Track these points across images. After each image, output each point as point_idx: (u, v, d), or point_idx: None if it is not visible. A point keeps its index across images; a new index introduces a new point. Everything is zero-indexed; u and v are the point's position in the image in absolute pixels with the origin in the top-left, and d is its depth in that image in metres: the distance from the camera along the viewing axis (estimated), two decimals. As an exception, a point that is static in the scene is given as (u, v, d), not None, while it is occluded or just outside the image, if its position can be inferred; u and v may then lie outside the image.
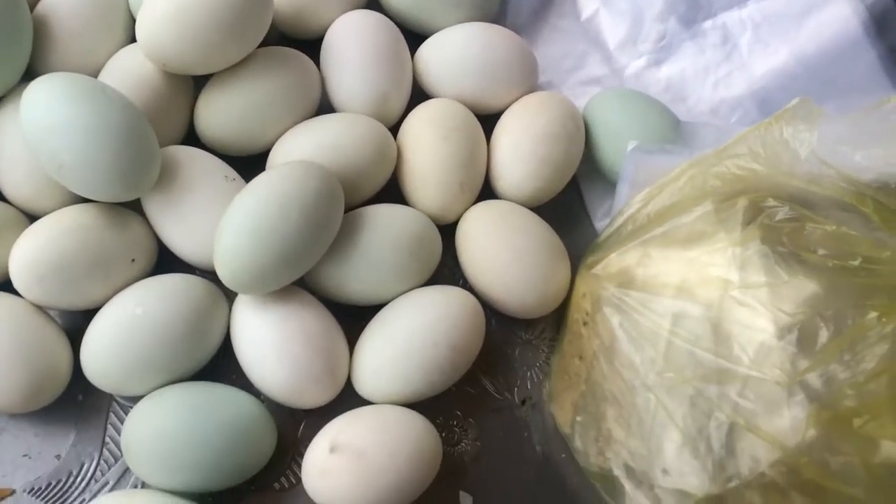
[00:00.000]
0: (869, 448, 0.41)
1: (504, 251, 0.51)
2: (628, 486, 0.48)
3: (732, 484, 0.44)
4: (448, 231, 0.54)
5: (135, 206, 0.50)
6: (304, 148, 0.51)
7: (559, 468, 0.52)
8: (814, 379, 0.41)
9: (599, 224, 0.59)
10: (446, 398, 0.52)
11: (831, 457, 0.42)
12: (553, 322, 0.55)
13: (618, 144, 0.55)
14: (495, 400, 0.53)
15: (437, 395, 0.50)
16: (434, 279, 0.52)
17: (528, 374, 0.54)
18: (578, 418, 0.50)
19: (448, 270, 0.55)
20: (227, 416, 0.45)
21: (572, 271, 0.53)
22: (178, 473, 0.45)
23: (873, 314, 0.41)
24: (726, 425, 0.43)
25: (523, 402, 0.54)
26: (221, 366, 0.50)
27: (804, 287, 0.43)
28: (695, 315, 0.44)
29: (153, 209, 0.49)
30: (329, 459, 0.44)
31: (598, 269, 0.48)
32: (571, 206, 0.60)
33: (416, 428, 0.46)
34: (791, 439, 0.41)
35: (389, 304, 0.50)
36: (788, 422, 0.41)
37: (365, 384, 0.48)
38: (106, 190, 0.46)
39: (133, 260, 0.48)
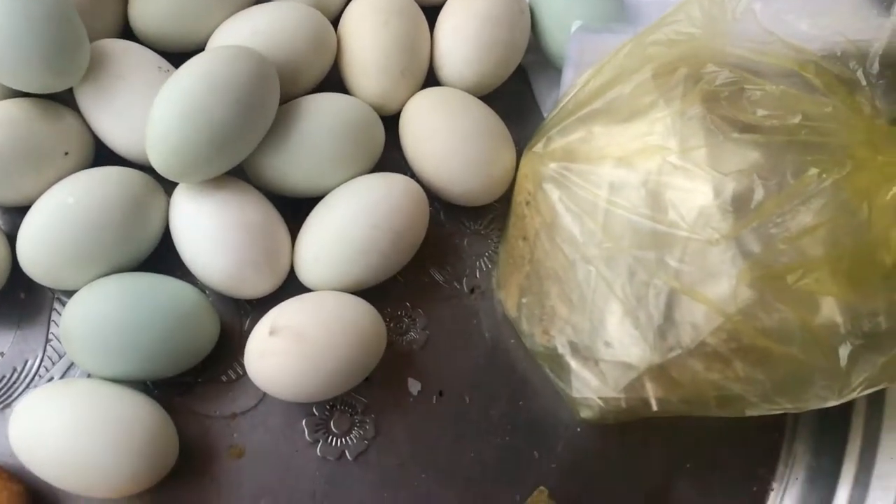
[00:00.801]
0: (805, 305, 0.41)
1: (446, 136, 0.50)
2: (574, 364, 0.48)
3: (674, 353, 0.44)
4: (395, 123, 0.53)
5: (69, 102, 0.49)
6: (240, 36, 0.49)
7: (508, 354, 0.52)
8: (749, 237, 0.41)
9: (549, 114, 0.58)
10: (395, 289, 0.52)
11: (768, 316, 0.41)
12: (501, 212, 0.54)
13: (564, 29, 0.53)
14: (444, 290, 0.53)
15: (385, 285, 0.50)
16: (380, 171, 0.51)
17: (477, 263, 0.54)
18: (524, 300, 0.50)
19: (395, 163, 0.54)
20: (166, 303, 0.45)
21: (519, 158, 0.52)
22: (119, 361, 0.44)
23: (813, 171, 0.40)
24: (665, 293, 0.43)
25: (472, 291, 0.53)
26: (165, 261, 0.49)
27: (743, 148, 0.42)
28: (632, 183, 0.43)
29: (85, 101, 0.48)
30: (268, 341, 0.44)
31: (538, 148, 0.48)
32: (521, 97, 0.59)
33: (356, 311, 0.46)
34: (728, 301, 0.41)
35: (331, 192, 0.49)
36: (725, 283, 0.41)
37: (307, 272, 0.48)
38: (32, 78, 0.45)
39: (66, 153, 0.47)
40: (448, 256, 0.54)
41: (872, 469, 0.48)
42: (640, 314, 0.44)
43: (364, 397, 0.50)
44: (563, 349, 0.48)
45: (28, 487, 0.44)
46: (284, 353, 0.44)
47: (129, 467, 0.43)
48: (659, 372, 0.46)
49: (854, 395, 0.44)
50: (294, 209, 0.50)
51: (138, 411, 0.44)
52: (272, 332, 0.44)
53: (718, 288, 0.42)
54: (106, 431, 0.42)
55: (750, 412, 0.46)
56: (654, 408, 0.47)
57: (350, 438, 0.49)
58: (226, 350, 0.50)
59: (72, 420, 0.42)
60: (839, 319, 0.42)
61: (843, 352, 0.41)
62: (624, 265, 0.44)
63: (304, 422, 0.49)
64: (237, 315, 0.51)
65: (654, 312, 0.43)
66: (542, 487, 0.48)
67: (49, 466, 0.42)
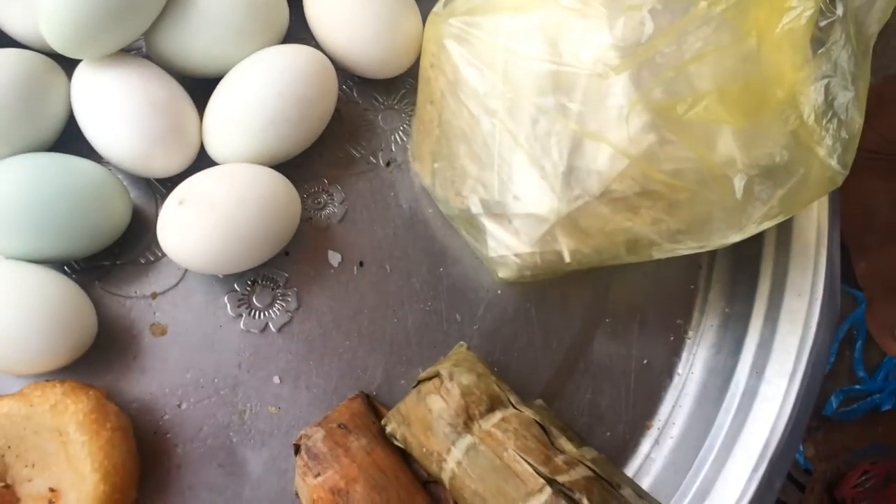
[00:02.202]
0: (701, 140, 0.42)
1: (349, 7, 0.50)
2: (488, 224, 0.49)
3: (581, 201, 0.45)
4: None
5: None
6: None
7: (427, 224, 0.53)
8: (642, 72, 0.41)
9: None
10: (311, 166, 0.52)
11: (667, 156, 0.42)
12: (413, 87, 0.54)
13: None
14: (360, 164, 0.53)
15: (301, 162, 0.50)
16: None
17: (392, 137, 0.54)
18: (436, 165, 0.50)
19: (300, 41, 0.53)
20: (74, 181, 0.45)
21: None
22: (31, 240, 0.44)
23: (703, 4, 0.41)
24: (568, 139, 0.43)
25: (388, 165, 0.54)
26: (74, 145, 0.48)
27: (634, -15, 0.42)
28: (530, 29, 0.43)
29: (-26, -14, 0.47)
30: (179, 211, 0.44)
31: (438, 8, 0.47)
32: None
33: (268, 179, 0.46)
34: (628, 142, 0.42)
35: (236, 66, 0.49)
36: (622, 121, 0.41)
37: (216, 147, 0.48)
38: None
39: (-42, 39, 0.46)
40: (362, 132, 0.54)
41: (781, 306, 0.50)
42: (545, 163, 0.44)
43: (285, 271, 0.50)
44: (476, 209, 0.49)
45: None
46: (196, 223, 0.44)
47: (46, 343, 0.43)
48: (569, 223, 0.47)
49: (754, 228, 0.45)
50: (201, 92, 0.49)
51: (53, 288, 0.44)
52: (181, 202, 0.44)
53: (618, 130, 0.42)
54: (21, 308, 0.42)
55: (657, 254, 0.47)
56: (567, 259, 0.48)
57: (273, 311, 0.50)
58: (142, 233, 0.50)
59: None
60: (735, 154, 0.43)
61: (739, 183, 0.43)
62: (526, 115, 0.44)
63: (225, 298, 0.49)
64: (151, 198, 0.51)
65: (559, 160, 0.44)
66: (461, 342, 0.49)
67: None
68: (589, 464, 0.41)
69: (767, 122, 0.43)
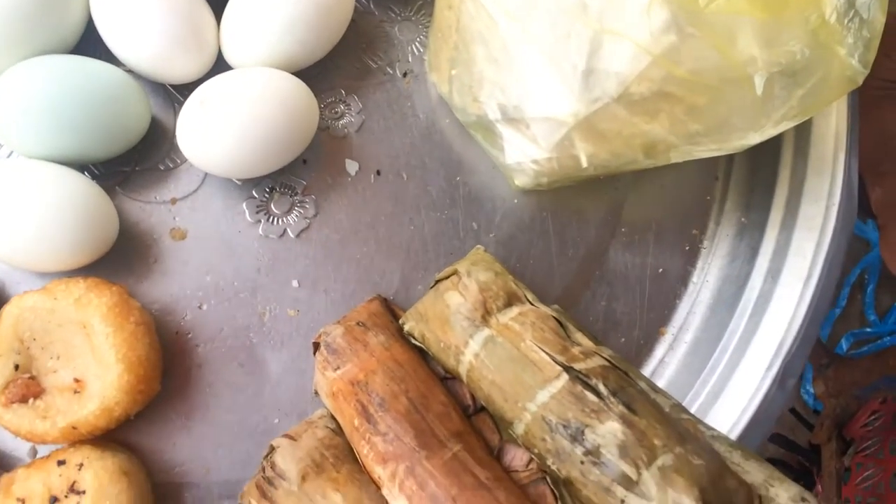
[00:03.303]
0: (722, 35, 0.42)
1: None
2: (505, 130, 0.49)
3: (600, 103, 0.45)
4: None
5: None
6: None
7: (443, 133, 0.53)
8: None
9: None
10: (327, 77, 0.52)
11: (688, 54, 0.42)
12: (428, 0, 0.54)
13: None
14: (377, 75, 0.53)
15: (318, 72, 0.51)
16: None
17: (409, 49, 0.54)
18: (453, 72, 0.50)
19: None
20: (94, 82, 0.45)
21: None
22: (52, 141, 0.45)
23: None
24: (587, 39, 0.43)
25: (405, 76, 0.54)
26: (92, 53, 0.48)
27: None
28: (547, -76, 0.43)
29: None
30: (199, 112, 0.44)
31: None
32: None
33: (286, 83, 0.46)
34: (650, 41, 0.41)
35: (252, -30, 0.48)
36: (638, 13, 0.41)
37: (233, 51, 0.48)
38: None
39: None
40: (379, 43, 0.54)
41: (798, 212, 0.50)
42: (564, 65, 0.44)
43: (303, 179, 0.51)
44: (493, 114, 0.49)
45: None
46: (216, 124, 0.44)
47: (70, 241, 0.43)
48: (587, 126, 0.47)
49: (772, 130, 0.45)
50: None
51: (75, 187, 0.44)
52: (202, 102, 0.45)
53: (639, 27, 0.42)
54: (45, 206, 0.43)
55: (675, 157, 0.47)
56: (585, 164, 0.48)
57: (291, 218, 0.50)
58: (161, 140, 0.50)
59: (12, 196, 0.42)
60: (756, 52, 0.43)
61: (759, 81, 0.42)
62: (546, 15, 0.44)
63: (244, 204, 0.50)
64: (170, 107, 0.51)
65: (578, 61, 0.44)
66: (479, 246, 0.49)
67: (-10, 242, 0.43)
68: (605, 355, 0.42)
69: (788, 20, 0.43)
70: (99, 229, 0.44)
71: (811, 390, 1.37)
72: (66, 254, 0.43)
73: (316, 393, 0.46)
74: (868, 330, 1.42)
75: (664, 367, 0.51)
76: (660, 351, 0.51)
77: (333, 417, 0.45)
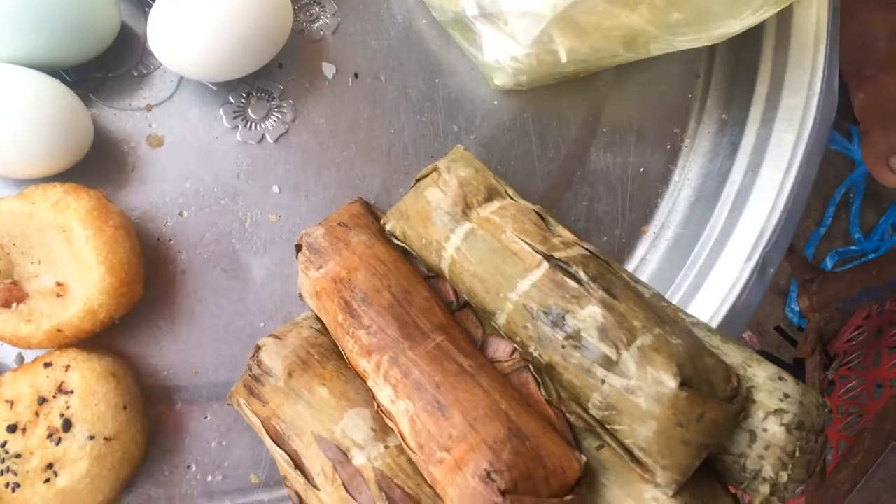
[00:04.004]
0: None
1: None
2: (482, 27, 0.48)
3: (577, -6, 0.44)
4: None
5: None
6: None
7: (421, 35, 0.52)
8: None
9: None
10: (300, -23, 0.51)
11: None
12: None
13: None
14: (352, -24, 0.52)
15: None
16: None
17: (384, -52, 0.53)
18: (429, -33, 0.49)
19: None
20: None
21: None
22: (22, 42, 0.44)
23: None
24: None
25: (380, -24, 0.52)
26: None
27: None
28: None
29: None
30: (170, 14, 0.43)
31: None
32: None
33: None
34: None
35: None
36: None
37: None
38: None
39: None
40: (353, -57, 0.53)
41: (779, 105, 0.50)
42: (539, -47, 0.43)
43: (279, 83, 0.50)
44: (470, 11, 0.48)
45: None
46: (187, 25, 0.43)
47: (45, 144, 0.43)
48: (565, 20, 0.46)
49: (753, 18, 0.44)
50: None
51: (47, 90, 0.43)
52: (172, 4, 0.43)
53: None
54: (18, 110, 0.42)
55: (655, 50, 0.47)
56: (564, 59, 0.48)
57: (269, 123, 0.49)
58: (133, 46, 0.49)
59: (-21, 101, 0.42)
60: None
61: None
62: None
63: (220, 110, 0.49)
64: (141, 11, 0.50)
65: (554, -52, 0.43)
66: (459, 145, 0.49)
67: (-38, 148, 0.42)
68: (585, 245, 0.42)
69: None
70: (73, 133, 0.44)
71: (796, 308, 1.39)
72: (42, 159, 0.43)
73: (300, 296, 0.46)
74: (853, 248, 1.44)
75: (646, 264, 0.51)
76: (641, 249, 0.51)
77: (318, 319, 0.45)
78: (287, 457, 0.41)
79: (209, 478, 0.45)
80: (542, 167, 0.51)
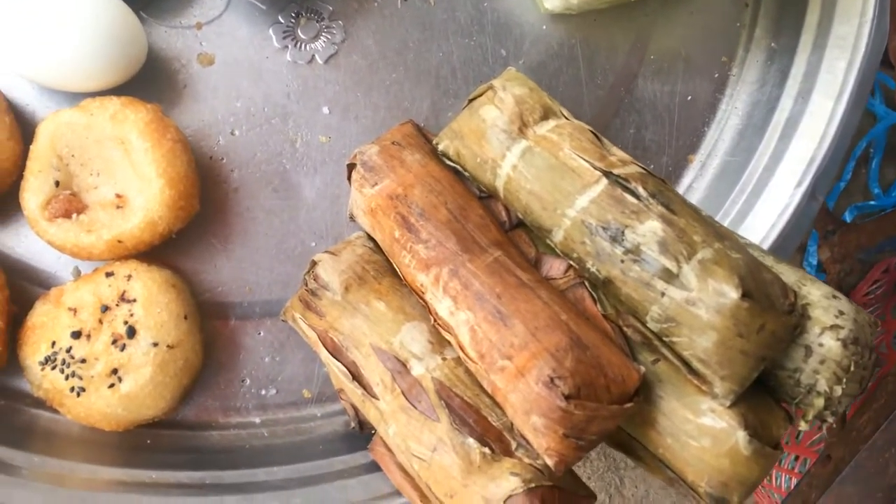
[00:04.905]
0: None
1: None
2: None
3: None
4: None
5: None
6: None
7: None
8: None
9: None
10: None
11: None
12: None
13: None
14: None
15: None
16: None
17: None
18: None
19: None
20: None
21: None
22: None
23: None
24: None
25: None
26: None
27: None
28: None
29: None
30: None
31: None
32: None
33: None
34: None
35: None
36: None
37: None
38: None
39: None
40: None
41: (829, 33, 0.50)
42: None
43: (329, 4, 0.50)
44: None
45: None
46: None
47: (102, 58, 0.43)
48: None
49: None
50: None
51: (105, 4, 0.43)
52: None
53: None
54: (77, 23, 0.42)
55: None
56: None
57: (319, 44, 0.49)
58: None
59: (41, 14, 0.42)
60: None
61: None
62: None
63: (270, 30, 0.49)
64: (189, -71, 0.49)
65: None
66: (510, 67, 0.49)
67: (22, 60, 0.42)
68: (641, 164, 0.42)
69: None
70: (129, 47, 0.44)
71: (814, 262, 1.39)
72: (99, 71, 0.43)
73: (351, 216, 0.46)
74: (872, 203, 1.43)
75: (692, 192, 0.51)
76: (688, 178, 0.52)
77: (370, 237, 0.46)
78: (344, 368, 0.42)
79: (263, 391, 0.46)
80: (590, 94, 0.51)
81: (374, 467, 0.44)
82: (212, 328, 0.46)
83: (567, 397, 0.36)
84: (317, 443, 0.46)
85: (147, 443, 0.45)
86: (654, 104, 0.52)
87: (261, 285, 0.47)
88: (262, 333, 0.47)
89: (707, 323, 0.37)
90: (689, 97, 0.52)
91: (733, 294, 0.36)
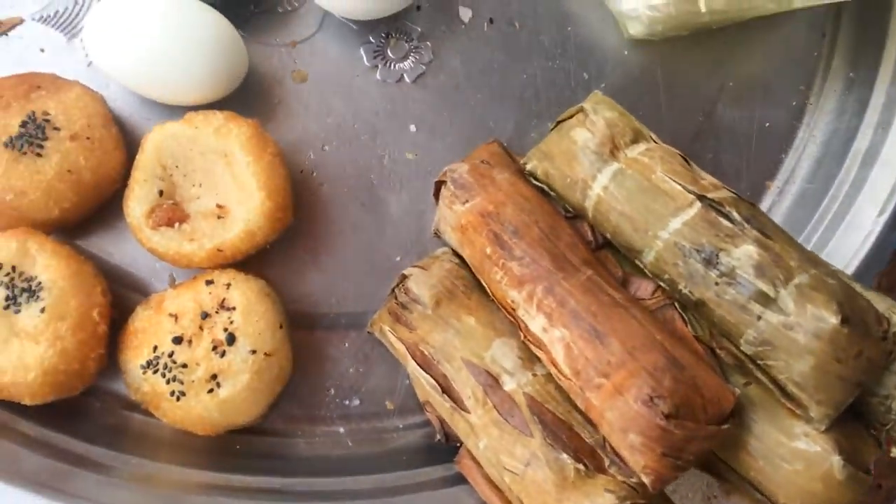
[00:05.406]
0: None
1: None
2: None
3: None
4: None
5: None
6: None
7: (555, -17, 0.53)
8: None
9: None
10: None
11: None
12: None
13: None
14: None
15: None
16: None
17: None
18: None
19: None
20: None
21: None
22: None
23: None
24: None
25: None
26: None
27: None
28: None
29: None
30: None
31: None
32: None
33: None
34: None
35: None
36: None
37: None
38: None
39: None
40: None
41: (910, 66, 0.50)
42: None
43: (417, 25, 0.51)
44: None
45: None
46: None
47: (207, 72, 0.44)
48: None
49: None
50: None
51: (208, 19, 0.45)
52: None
53: None
54: (186, 38, 0.44)
55: (799, 1, 0.47)
56: (703, 8, 0.48)
57: (407, 63, 0.51)
58: (279, -17, 0.50)
59: (148, 28, 0.43)
60: None
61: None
62: None
63: (361, 49, 0.51)
64: (286, -51, 0.51)
65: None
66: (597, 91, 0.49)
67: (129, 73, 0.44)
68: (732, 189, 0.43)
69: None
70: (232, 63, 0.45)
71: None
72: (204, 85, 0.45)
73: (435, 233, 0.47)
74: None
75: (771, 218, 0.51)
76: (766, 203, 0.52)
77: (456, 254, 0.47)
78: (434, 381, 0.43)
79: (347, 402, 0.47)
80: (669, 118, 0.52)
81: (457, 480, 0.45)
82: (298, 338, 0.47)
83: (667, 416, 0.36)
84: (399, 453, 0.47)
85: (236, 448, 0.46)
86: (732, 130, 0.53)
87: (347, 297, 0.48)
88: (347, 344, 0.48)
89: (805, 347, 0.37)
90: (767, 124, 0.53)
91: (832, 319, 0.37)
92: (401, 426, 0.47)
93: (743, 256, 0.39)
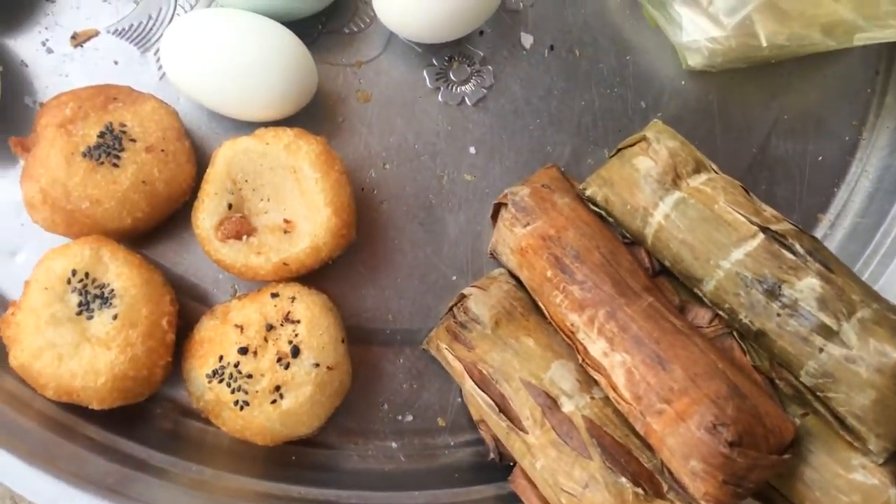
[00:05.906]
0: None
1: None
2: (681, 9, 0.50)
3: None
4: None
5: None
6: None
7: (615, 12, 0.54)
8: None
9: None
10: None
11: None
12: None
13: None
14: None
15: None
16: None
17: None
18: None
19: None
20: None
21: None
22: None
23: None
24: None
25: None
26: None
27: None
28: None
29: None
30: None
31: None
32: None
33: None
34: None
35: None
36: None
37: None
38: None
39: None
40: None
41: (966, 103, 0.51)
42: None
43: (480, 50, 0.52)
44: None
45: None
46: None
47: (280, 90, 0.46)
48: (770, 5, 0.48)
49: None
50: None
51: (281, 37, 0.46)
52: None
53: None
54: (256, 54, 0.45)
55: (859, 40, 0.48)
56: (764, 43, 0.49)
57: (469, 87, 0.52)
58: (346, 4, 0.52)
59: (222, 45, 0.44)
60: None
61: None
62: None
63: (424, 71, 0.52)
64: (355, -28, 0.52)
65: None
66: (656, 120, 0.50)
67: (203, 88, 0.45)
68: (792, 221, 0.43)
69: None
70: (303, 81, 0.46)
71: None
72: (276, 102, 0.46)
73: (491, 254, 0.48)
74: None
75: (821, 250, 0.52)
76: (818, 236, 0.53)
77: (512, 275, 0.47)
78: (491, 401, 0.43)
79: (400, 417, 0.48)
80: (724, 148, 0.53)
81: (509, 499, 0.45)
82: (354, 353, 0.47)
83: (730, 444, 0.37)
84: (450, 470, 0.47)
85: (291, 459, 0.46)
86: (785, 162, 0.53)
87: (402, 314, 0.49)
88: (401, 360, 0.48)
89: (867, 381, 0.38)
90: (820, 157, 0.53)
91: (895, 354, 0.37)
92: (452, 443, 0.48)
93: (806, 289, 0.40)
